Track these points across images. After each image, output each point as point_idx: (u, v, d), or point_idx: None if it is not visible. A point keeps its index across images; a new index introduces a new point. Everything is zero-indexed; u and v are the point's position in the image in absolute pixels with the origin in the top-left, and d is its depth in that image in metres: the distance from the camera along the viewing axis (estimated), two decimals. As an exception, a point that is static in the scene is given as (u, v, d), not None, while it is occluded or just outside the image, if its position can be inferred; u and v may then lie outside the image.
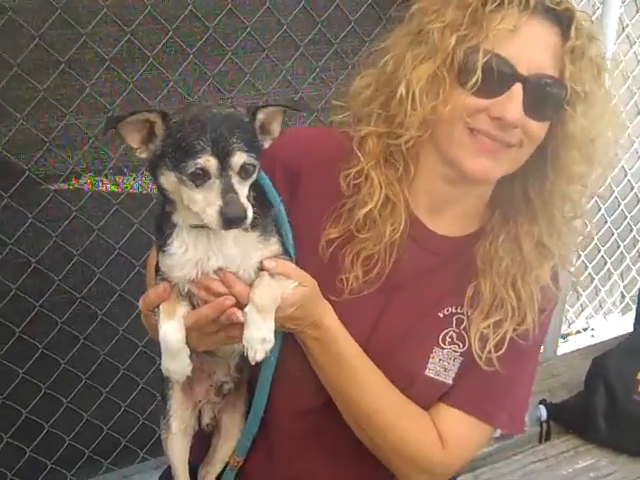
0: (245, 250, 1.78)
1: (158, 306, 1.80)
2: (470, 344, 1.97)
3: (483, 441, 2.11)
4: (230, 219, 1.61)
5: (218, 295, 1.74)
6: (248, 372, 2.06)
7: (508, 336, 1.95)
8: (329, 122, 2.19)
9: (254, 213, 1.70)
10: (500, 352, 1.94)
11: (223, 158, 1.61)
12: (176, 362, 1.79)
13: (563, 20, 1.80)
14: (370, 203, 1.94)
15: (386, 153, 1.97)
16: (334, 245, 1.96)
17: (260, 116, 1.73)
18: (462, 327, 2.01)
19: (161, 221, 1.82)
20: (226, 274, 1.75)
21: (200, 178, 1.61)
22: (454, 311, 2.02)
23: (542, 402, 3.55)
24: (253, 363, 1.76)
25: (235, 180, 1.63)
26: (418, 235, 2.02)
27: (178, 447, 2.03)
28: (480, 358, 1.95)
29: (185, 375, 1.81)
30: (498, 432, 3.91)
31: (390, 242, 1.96)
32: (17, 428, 3.52)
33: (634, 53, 4.99)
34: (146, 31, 3.32)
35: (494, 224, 2.00)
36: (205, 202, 1.62)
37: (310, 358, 1.97)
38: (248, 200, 1.66)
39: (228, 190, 1.61)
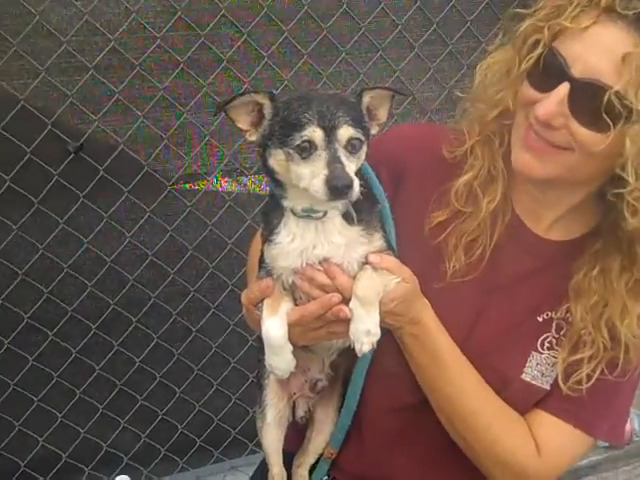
0: (350, 242, 1.78)
1: (261, 301, 1.82)
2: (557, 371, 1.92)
3: (581, 451, 2.02)
4: (336, 187, 1.60)
5: (322, 287, 1.76)
6: (343, 369, 2.07)
7: (597, 372, 1.87)
8: (444, 123, 2.18)
9: (359, 206, 1.74)
10: (589, 384, 1.87)
11: (329, 130, 1.62)
12: (279, 358, 1.81)
13: (638, 26, 1.65)
14: (471, 172, 1.95)
15: (491, 132, 1.96)
16: (439, 228, 1.96)
17: (366, 98, 1.74)
18: (562, 333, 1.94)
19: (269, 211, 1.84)
20: (330, 265, 1.76)
21: (307, 150, 1.63)
22: (554, 316, 1.95)
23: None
24: (360, 355, 1.77)
25: (342, 152, 1.64)
26: (520, 236, 1.99)
27: (272, 436, 2.06)
28: (564, 386, 1.89)
29: (289, 371, 1.83)
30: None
31: (491, 222, 1.95)
32: (132, 414, 3.68)
33: None
34: (262, 32, 3.40)
35: (594, 253, 1.91)
36: (312, 174, 1.63)
37: (407, 355, 1.95)
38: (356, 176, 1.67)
39: (334, 160, 1.62)
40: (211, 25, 3.28)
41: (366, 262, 1.78)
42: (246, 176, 3.56)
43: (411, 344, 1.92)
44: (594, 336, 1.87)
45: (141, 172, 3.33)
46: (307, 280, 1.78)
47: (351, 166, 1.65)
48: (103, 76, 3.16)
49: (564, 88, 1.70)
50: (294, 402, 2.10)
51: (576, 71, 1.68)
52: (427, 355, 1.92)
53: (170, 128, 3.35)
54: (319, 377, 2.07)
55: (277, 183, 1.76)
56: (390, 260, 1.81)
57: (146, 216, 3.40)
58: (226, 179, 3.56)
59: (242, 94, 1.72)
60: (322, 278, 1.76)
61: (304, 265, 1.78)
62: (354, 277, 1.77)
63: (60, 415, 3.49)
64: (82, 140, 3.17)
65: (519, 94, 1.82)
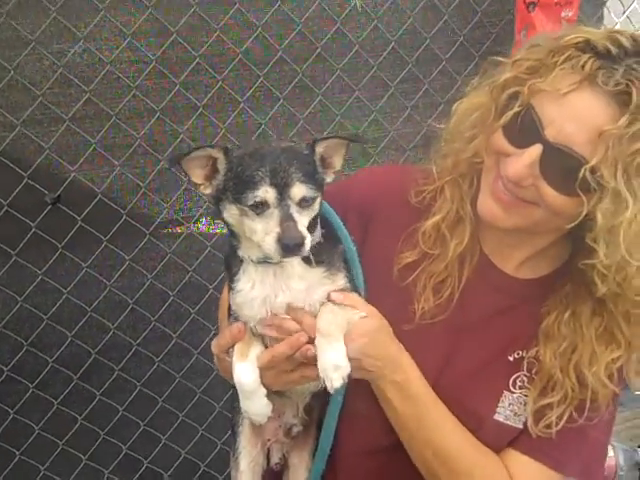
0: (311, 285, 1.80)
1: (232, 347, 1.83)
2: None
3: None
4: (287, 245, 1.63)
5: (290, 333, 1.77)
6: (317, 412, 2.07)
7: (566, 416, 1.87)
8: (419, 160, 2.21)
9: (320, 248, 1.76)
10: (559, 427, 1.88)
11: (282, 188, 1.65)
12: (254, 403, 1.82)
13: (618, 100, 1.63)
14: (439, 215, 1.97)
15: (460, 173, 1.97)
16: (408, 270, 1.97)
17: (319, 149, 1.76)
18: (533, 372, 1.93)
19: (230, 258, 1.86)
20: (295, 310, 1.78)
21: (260, 207, 1.66)
22: (524, 355, 1.95)
23: (640, 446, 3.38)
24: (332, 392, 1.76)
25: (294, 209, 1.66)
26: (489, 275, 1.99)
27: None
28: (535, 429, 1.89)
29: (266, 416, 1.84)
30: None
31: (459, 263, 1.96)
32: (117, 463, 3.65)
33: None
34: (237, 77, 3.43)
35: (565, 296, 1.91)
36: (264, 231, 1.66)
37: (385, 404, 1.94)
38: (311, 231, 1.70)
39: (286, 218, 1.64)
40: (186, 72, 3.31)
41: (329, 300, 1.80)
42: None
43: (392, 391, 1.90)
44: (562, 380, 1.87)
45: (120, 220, 3.33)
46: (275, 328, 1.79)
47: (303, 220, 1.67)
48: (79, 126, 3.19)
49: (536, 150, 1.70)
50: (268, 449, 2.10)
51: (550, 135, 1.68)
52: (409, 403, 1.90)
53: (148, 175, 3.37)
54: (293, 422, 2.07)
55: (232, 233, 1.79)
56: (353, 297, 1.83)
57: (126, 264, 3.40)
58: (204, 222, 3.56)
59: (197, 148, 1.74)
60: (290, 324, 1.78)
61: (269, 314, 1.80)
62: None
63: (43, 468, 3.46)
64: (60, 191, 3.18)
65: (492, 142, 1.82)
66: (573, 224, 1.73)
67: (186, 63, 3.32)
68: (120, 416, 3.58)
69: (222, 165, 1.74)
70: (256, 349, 1.82)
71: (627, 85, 1.62)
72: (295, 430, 2.08)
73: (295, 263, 1.78)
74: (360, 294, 1.90)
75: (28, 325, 3.30)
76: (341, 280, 1.85)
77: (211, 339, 3.43)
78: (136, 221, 3.40)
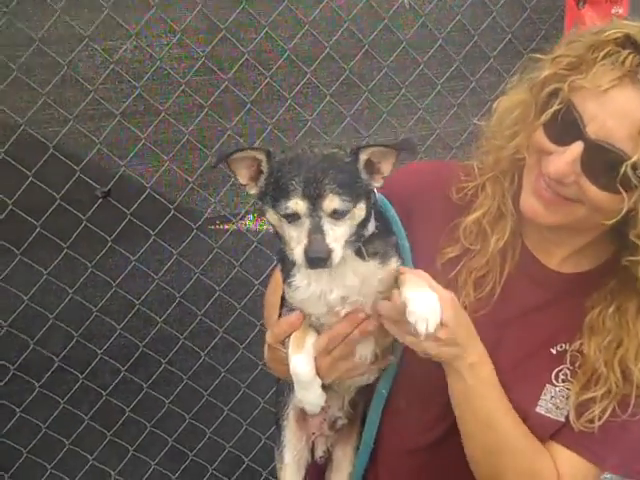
0: (365, 278, 1.81)
1: (288, 337, 1.86)
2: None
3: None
4: (312, 259, 1.65)
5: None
6: (362, 407, 2.08)
7: (609, 411, 1.86)
8: (465, 159, 2.21)
9: (373, 241, 1.79)
10: (601, 422, 1.86)
11: (314, 200, 1.64)
12: (309, 393, 1.84)
13: None
14: (480, 210, 1.97)
15: (502, 169, 1.98)
16: (450, 264, 1.98)
17: (364, 156, 1.74)
18: (577, 365, 1.93)
19: (284, 254, 1.85)
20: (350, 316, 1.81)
21: (291, 217, 1.67)
22: (568, 348, 1.94)
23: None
24: (423, 337, 1.68)
25: (326, 221, 1.66)
26: (531, 269, 2.00)
27: (291, 477, 2.07)
28: (576, 423, 1.88)
29: (320, 405, 1.85)
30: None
31: (500, 258, 1.96)
32: (163, 455, 3.70)
33: None
34: (284, 74, 3.46)
35: (610, 291, 1.90)
36: (296, 240, 1.68)
37: (458, 386, 1.89)
38: (359, 233, 1.72)
39: (315, 230, 1.65)
40: (235, 69, 3.34)
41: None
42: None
43: (468, 375, 1.86)
44: (607, 374, 1.86)
45: (168, 215, 3.38)
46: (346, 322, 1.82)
47: (338, 232, 1.67)
48: (129, 122, 3.23)
49: (578, 147, 1.70)
50: (313, 442, 2.12)
51: (591, 131, 1.68)
52: (482, 384, 1.88)
53: (196, 170, 3.41)
54: (338, 415, 2.08)
55: (277, 234, 1.81)
56: (421, 272, 1.81)
57: (174, 258, 3.45)
58: (251, 219, 3.59)
59: (240, 149, 1.76)
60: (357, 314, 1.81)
61: (329, 310, 1.82)
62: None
63: (91, 458, 3.53)
64: (110, 185, 3.23)
65: (533, 140, 1.82)
66: (615, 220, 1.72)
67: (235, 60, 3.35)
68: (166, 409, 3.62)
69: (265, 167, 1.75)
70: (311, 339, 1.84)
71: None
72: (340, 423, 2.09)
73: (348, 259, 1.78)
74: None
75: (78, 317, 3.35)
76: (394, 264, 1.85)
77: (256, 334, 3.55)
78: (184, 216, 3.44)
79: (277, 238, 1.82)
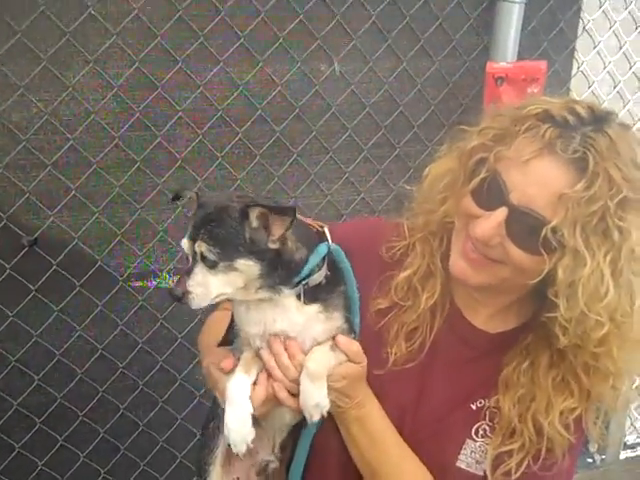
0: (308, 320, 1.91)
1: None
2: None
3: None
4: (169, 292, 1.80)
5: (281, 364, 1.90)
6: (290, 451, 2.13)
7: (524, 465, 1.95)
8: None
9: (319, 289, 1.90)
10: (517, 475, 1.95)
11: (192, 243, 1.79)
12: (239, 418, 1.86)
13: (577, 165, 1.75)
14: (410, 269, 2.08)
15: (431, 231, 2.09)
16: (381, 315, 2.08)
17: (252, 216, 1.79)
18: (495, 421, 2.02)
19: None
20: (290, 344, 1.90)
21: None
22: (486, 404, 2.04)
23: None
24: (310, 424, 1.95)
25: (199, 265, 1.79)
26: (458, 327, 2.10)
27: None
28: (491, 476, 1.97)
29: (247, 441, 1.87)
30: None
31: (431, 314, 2.06)
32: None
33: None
34: (217, 133, 3.51)
35: (525, 347, 2.01)
36: None
37: (348, 439, 2.04)
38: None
39: (187, 270, 1.79)
40: (168, 126, 3.38)
41: (330, 339, 1.93)
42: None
43: (354, 428, 2.00)
44: (521, 428, 1.95)
45: (94, 267, 3.36)
46: (272, 354, 1.91)
47: (210, 279, 1.78)
48: (60, 173, 3.22)
49: (502, 213, 1.81)
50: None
51: (514, 198, 1.80)
52: (369, 439, 2.01)
53: (124, 225, 3.41)
54: (270, 458, 2.11)
55: None
56: (352, 345, 1.94)
57: (97, 310, 3.42)
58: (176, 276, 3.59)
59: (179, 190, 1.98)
60: (284, 359, 1.90)
61: (266, 333, 1.91)
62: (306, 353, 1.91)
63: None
64: (37, 234, 3.20)
65: (462, 205, 1.93)
66: (537, 280, 1.83)
67: (169, 117, 3.39)
68: (81, 463, 3.55)
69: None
70: (257, 369, 1.94)
71: (584, 152, 1.74)
72: (272, 467, 2.11)
73: (288, 299, 1.89)
74: (356, 335, 2.01)
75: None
76: (338, 320, 1.96)
77: (175, 390, 3.54)
78: (111, 269, 3.42)
79: None
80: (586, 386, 1.94)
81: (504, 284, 1.94)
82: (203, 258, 1.76)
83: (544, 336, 1.94)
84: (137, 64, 3.24)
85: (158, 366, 3.62)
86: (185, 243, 1.80)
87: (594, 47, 4.27)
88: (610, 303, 1.77)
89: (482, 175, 1.85)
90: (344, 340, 1.93)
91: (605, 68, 4.36)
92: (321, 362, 1.89)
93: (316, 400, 1.87)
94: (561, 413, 1.93)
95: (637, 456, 4.42)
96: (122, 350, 3.54)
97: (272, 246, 1.81)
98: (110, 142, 3.29)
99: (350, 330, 1.98)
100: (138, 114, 3.31)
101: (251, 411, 1.86)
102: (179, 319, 3.60)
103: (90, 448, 3.56)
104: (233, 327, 2.01)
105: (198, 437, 3.49)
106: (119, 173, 3.35)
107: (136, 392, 3.61)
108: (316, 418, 1.90)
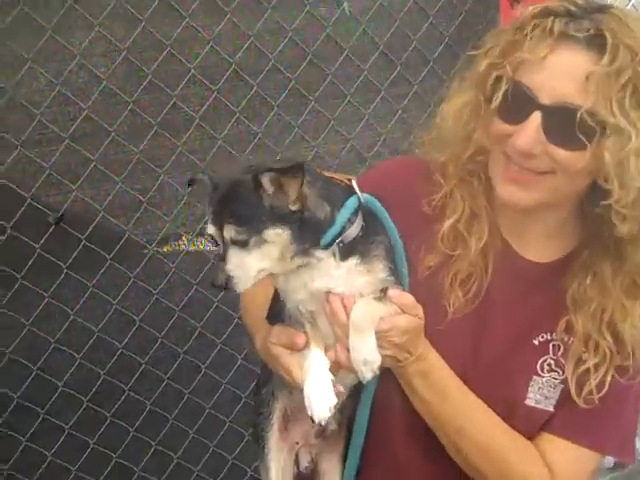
0: (348, 274, 1.81)
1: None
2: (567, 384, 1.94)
3: (594, 469, 2.02)
4: (212, 284, 1.71)
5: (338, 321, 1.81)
6: (349, 412, 2.05)
7: (609, 379, 1.89)
8: None
9: (355, 242, 1.79)
10: (602, 393, 1.89)
11: (218, 230, 1.70)
12: (321, 390, 1.79)
13: (594, 45, 1.70)
14: (453, 216, 1.98)
15: (466, 172, 2.00)
16: (433, 272, 1.99)
17: (265, 181, 1.71)
18: (560, 354, 1.96)
19: None
20: (348, 299, 1.81)
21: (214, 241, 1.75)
22: (549, 338, 1.97)
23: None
24: (364, 382, 1.82)
25: (231, 248, 1.69)
26: (509, 261, 2.01)
27: None
28: (579, 399, 1.90)
29: (331, 408, 1.79)
30: (611, 462, 3.74)
31: (482, 256, 1.98)
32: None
33: None
34: (231, 88, 3.42)
35: (583, 263, 1.94)
36: None
37: (412, 394, 1.95)
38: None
39: (220, 257, 1.70)
40: (181, 85, 3.28)
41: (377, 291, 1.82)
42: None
43: (418, 382, 1.92)
44: (598, 343, 1.89)
45: (122, 238, 3.29)
46: (331, 313, 1.82)
47: (245, 258, 1.69)
48: (78, 145, 3.14)
49: (536, 117, 1.73)
50: (296, 454, 2.08)
51: (544, 99, 1.72)
52: (435, 392, 1.92)
53: (147, 191, 3.33)
54: (328, 420, 2.05)
55: None
56: (406, 297, 1.83)
57: (130, 282, 3.35)
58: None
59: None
60: (341, 316, 1.80)
61: (311, 296, 1.82)
62: None
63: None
64: (62, 211, 3.13)
65: (491, 131, 1.85)
66: (588, 177, 1.78)
67: (181, 76, 3.29)
68: (131, 438, 3.52)
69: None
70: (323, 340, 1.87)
71: (598, 29, 1.69)
72: (330, 429, 2.05)
73: (326, 261, 1.79)
74: (404, 286, 1.90)
75: (36, 351, 3.22)
76: (381, 272, 1.84)
77: (217, 354, 3.50)
78: (139, 238, 3.35)
79: None
80: None
81: (557, 196, 1.85)
82: (233, 241, 1.69)
83: (598, 246, 1.88)
84: (143, 23, 3.13)
85: (197, 332, 3.55)
86: (211, 230, 1.71)
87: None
88: None
89: (503, 89, 1.77)
90: (395, 293, 1.82)
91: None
92: (366, 313, 1.79)
93: (364, 355, 1.76)
94: (638, 315, 1.87)
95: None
96: (159, 319, 3.47)
97: (293, 208, 1.72)
98: (124, 108, 3.20)
99: (397, 282, 1.88)
100: (150, 76, 3.20)
101: (333, 380, 1.80)
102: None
103: (139, 421, 3.52)
104: (278, 300, 1.93)
105: (244, 400, 3.59)
106: (137, 139, 3.27)
107: (178, 360, 3.55)
108: (368, 376, 1.77)
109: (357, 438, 2.02)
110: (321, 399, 1.78)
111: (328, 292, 1.81)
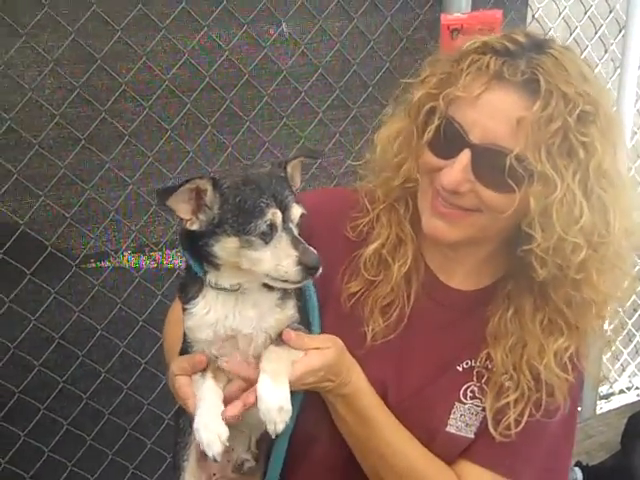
0: (262, 313, 1.77)
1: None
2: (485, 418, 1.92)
3: None
4: (309, 267, 1.63)
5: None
6: (268, 445, 2.01)
7: (526, 416, 1.88)
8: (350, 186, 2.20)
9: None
10: (518, 428, 1.88)
11: (284, 212, 1.64)
12: (212, 422, 1.71)
13: (528, 89, 1.71)
14: (378, 240, 1.99)
15: (394, 198, 2.01)
16: (354, 298, 1.99)
17: (289, 169, 1.78)
18: (483, 381, 1.95)
19: (188, 283, 1.81)
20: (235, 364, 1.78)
21: (268, 235, 1.63)
22: (474, 364, 1.97)
23: (578, 464, 3.42)
24: (274, 436, 1.73)
25: (295, 232, 1.66)
26: (434, 290, 2.02)
27: None
28: (495, 432, 1.90)
29: (222, 443, 1.70)
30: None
31: (405, 282, 1.98)
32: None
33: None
34: (164, 105, 3.36)
35: (507, 294, 1.95)
36: (276, 257, 1.63)
37: (336, 417, 1.93)
38: None
39: (297, 241, 1.65)
40: (112, 100, 3.22)
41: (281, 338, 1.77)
42: (156, 251, 3.48)
43: (340, 404, 1.89)
44: (517, 378, 1.88)
45: (45, 252, 3.21)
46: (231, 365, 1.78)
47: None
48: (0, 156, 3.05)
49: (466, 155, 1.74)
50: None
51: (475, 137, 1.73)
52: (357, 416, 1.90)
53: (73, 206, 3.25)
54: (245, 457, 2.00)
55: (210, 263, 1.73)
56: (302, 338, 1.78)
57: (51, 297, 3.27)
58: (133, 255, 3.46)
59: (185, 182, 1.66)
60: (245, 370, 1.76)
61: (215, 337, 1.77)
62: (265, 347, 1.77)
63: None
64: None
65: (422, 162, 1.86)
66: (511, 217, 1.78)
67: (112, 91, 3.23)
68: (46, 458, 3.41)
69: (212, 198, 1.68)
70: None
71: (533, 73, 1.70)
72: (247, 465, 2.00)
73: (256, 289, 1.75)
74: (308, 318, 1.89)
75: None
76: (290, 310, 1.82)
77: (140, 374, 3.43)
78: (62, 254, 3.27)
79: (200, 265, 1.75)
80: (572, 321, 1.88)
81: (481, 233, 1.87)
82: (297, 223, 1.68)
83: (523, 281, 1.89)
84: (73, 35, 3.06)
85: (120, 351, 3.47)
86: (277, 214, 1.63)
87: (548, -7, 4.18)
88: (586, 224, 1.72)
89: (436, 123, 1.79)
90: (289, 335, 1.77)
91: (560, 14, 4.28)
92: (276, 358, 1.73)
93: (278, 403, 1.66)
94: (555, 354, 1.87)
95: (614, 408, 4.41)
96: (81, 336, 3.39)
97: None
98: (50, 121, 3.12)
99: (302, 319, 1.85)
100: (78, 89, 3.14)
101: (222, 410, 1.72)
102: (138, 300, 3.48)
103: (55, 441, 3.42)
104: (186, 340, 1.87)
105: (166, 422, 3.52)
106: (63, 153, 3.19)
107: (99, 379, 3.47)
108: (280, 427, 1.67)
109: (272, 472, 1.97)
110: (211, 433, 1.71)
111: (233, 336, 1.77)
